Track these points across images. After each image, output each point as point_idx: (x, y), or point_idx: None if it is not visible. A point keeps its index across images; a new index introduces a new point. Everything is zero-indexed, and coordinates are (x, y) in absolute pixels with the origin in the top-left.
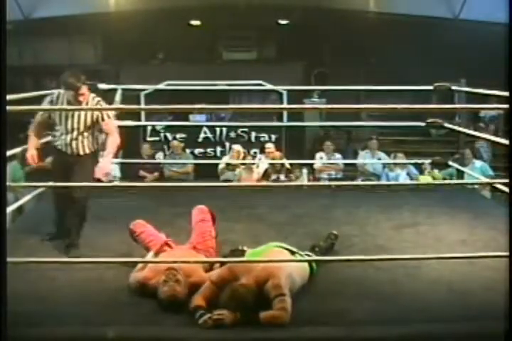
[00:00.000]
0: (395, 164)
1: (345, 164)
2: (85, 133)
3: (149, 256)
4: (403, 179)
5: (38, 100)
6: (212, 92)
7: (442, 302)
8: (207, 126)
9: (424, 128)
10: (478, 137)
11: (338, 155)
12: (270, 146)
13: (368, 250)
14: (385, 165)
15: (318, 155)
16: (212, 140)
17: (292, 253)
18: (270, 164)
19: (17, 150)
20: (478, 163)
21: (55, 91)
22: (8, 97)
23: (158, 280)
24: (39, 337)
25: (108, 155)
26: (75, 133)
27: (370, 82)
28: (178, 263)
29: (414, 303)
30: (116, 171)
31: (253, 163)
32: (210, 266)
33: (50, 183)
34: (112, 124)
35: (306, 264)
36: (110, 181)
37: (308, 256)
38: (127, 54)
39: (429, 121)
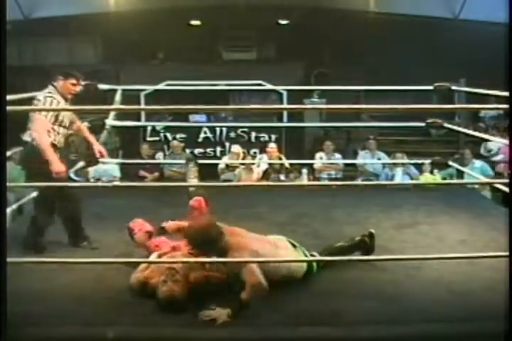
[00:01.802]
0: (394, 164)
1: (345, 164)
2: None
3: (153, 257)
4: (401, 178)
5: None
6: (212, 92)
7: (442, 302)
8: (207, 126)
9: (424, 128)
10: (478, 137)
11: (338, 155)
12: (273, 146)
13: None
14: (384, 165)
15: (318, 155)
16: (212, 140)
17: (294, 246)
18: (270, 164)
19: (15, 150)
20: (478, 163)
21: (44, 93)
22: (8, 97)
23: (158, 280)
24: (39, 337)
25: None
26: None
27: (370, 82)
28: (179, 264)
29: (414, 303)
30: (116, 171)
31: (253, 163)
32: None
33: (50, 183)
34: None
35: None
36: (110, 181)
37: (313, 256)
38: (127, 54)
39: (429, 121)
